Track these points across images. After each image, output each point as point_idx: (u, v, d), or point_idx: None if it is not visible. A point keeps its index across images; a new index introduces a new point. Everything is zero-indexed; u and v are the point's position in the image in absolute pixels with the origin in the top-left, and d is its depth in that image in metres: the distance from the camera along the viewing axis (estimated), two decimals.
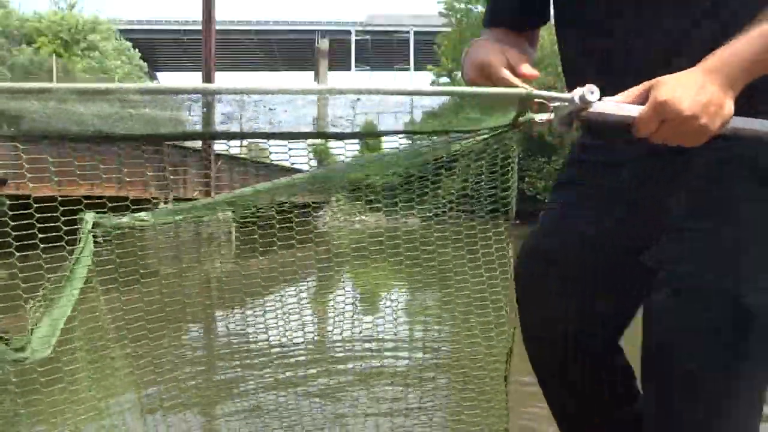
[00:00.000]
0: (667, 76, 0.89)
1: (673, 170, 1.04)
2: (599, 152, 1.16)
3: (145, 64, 33.02)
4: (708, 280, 0.95)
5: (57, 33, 27.01)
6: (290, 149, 1.03)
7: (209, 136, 0.85)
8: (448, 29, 27.48)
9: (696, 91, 0.87)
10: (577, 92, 0.86)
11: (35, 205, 0.85)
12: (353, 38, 45.71)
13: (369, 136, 0.91)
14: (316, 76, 48.12)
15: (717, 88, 0.88)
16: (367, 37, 45.48)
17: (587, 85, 0.86)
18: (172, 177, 18.62)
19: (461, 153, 0.98)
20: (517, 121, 0.89)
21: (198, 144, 20.75)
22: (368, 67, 48.88)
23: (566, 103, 0.87)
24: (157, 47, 44.49)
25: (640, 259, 1.04)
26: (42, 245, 0.85)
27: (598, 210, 1.15)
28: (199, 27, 20.44)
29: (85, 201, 0.94)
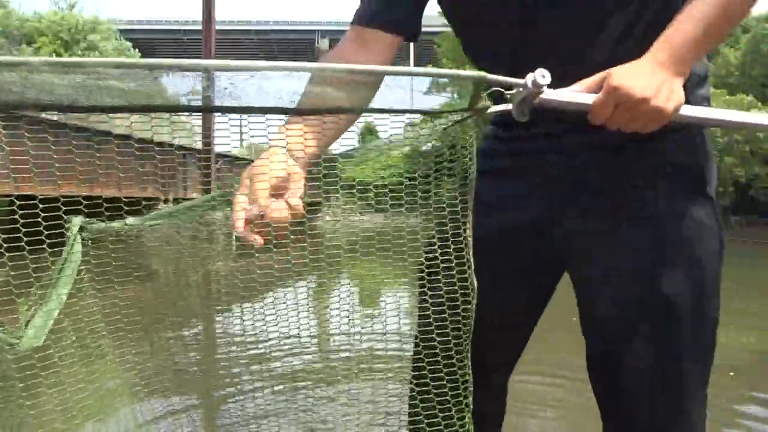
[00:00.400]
0: (619, 66, 0.92)
1: (603, 165, 1.07)
2: (515, 145, 1.17)
3: None
4: (631, 276, 1.00)
5: (57, 33, 27.01)
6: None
7: (185, 109, 0.84)
8: (448, 29, 27.41)
9: (648, 76, 0.90)
10: (529, 77, 0.87)
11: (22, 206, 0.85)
12: None
13: (330, 112, 0.89)
14: None
15: (667, 73, 0.92)
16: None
17: (537, 69, 0.87)
18: (171, 178, 18.56)
19: (420, 142, 0.96)
20: (473, 107, 0.89)
21: (198, 144, 20.76)
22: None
23: (519, 89, 0.88)
24: (157, 47, 44.50)
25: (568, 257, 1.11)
26: (29, 247, 0.86)
27: (523, 200, 1.15)
28: (199, 27, 20.45)
29: (85, 201, 0.93)
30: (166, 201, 18.22)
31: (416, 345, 1.07)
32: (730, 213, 30.68)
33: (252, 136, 0.96)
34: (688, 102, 0.96)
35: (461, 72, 0.87)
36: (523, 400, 2.95)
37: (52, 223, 0.88)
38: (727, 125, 0.96)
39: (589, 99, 0.91)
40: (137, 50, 31.91)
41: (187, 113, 0.85)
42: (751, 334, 4.97)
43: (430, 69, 0.87)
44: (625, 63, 0.94)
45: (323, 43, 45.85)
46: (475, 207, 1.06)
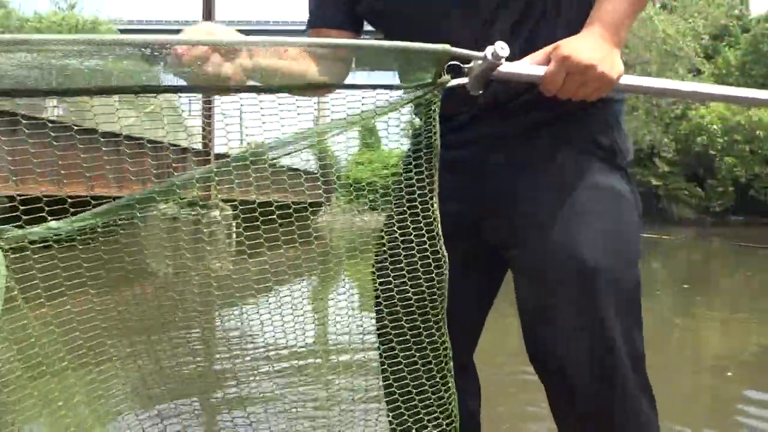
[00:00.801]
0: (565, 39, 1.01)
1: (520, 151, 1.13)
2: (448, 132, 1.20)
3: None
4: (553, 250, 1.05)
5: (57, 33, 26.98)
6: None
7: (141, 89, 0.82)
8: None
9: (592, 46, 0.99)
10: (489, 49, 0.91)
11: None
12: None
13: (298, 89, 0.90)
14: None
15: (609, 45, 1.01)
16: (367, 36, 45.42)
17: (497, 42, 0.91)
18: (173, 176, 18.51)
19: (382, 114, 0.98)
20: (436, 81, 0.91)
21: (198, 144, 20.74)
22: (367, 67, 48.78)
23: (480, 62, 0.91)
24: None
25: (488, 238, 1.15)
26: None
27: (451, 188, 1.17)
28: None
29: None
30: (166, 201, 18.20)
31: (383, 314, 1.08)
32: (730, 213, 30.69)
33: (249, 135, 0.95)
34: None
35: (427, 46, 0.89)
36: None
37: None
38: (663, 93, 1.08)
39: (541, 70, 0.97)
40: None
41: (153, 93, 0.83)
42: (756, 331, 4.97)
43: (397, 43, 0.89)
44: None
45: None
46: None
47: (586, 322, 1.01)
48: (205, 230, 17.48)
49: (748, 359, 4.14)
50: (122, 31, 32.05)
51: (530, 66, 0.98)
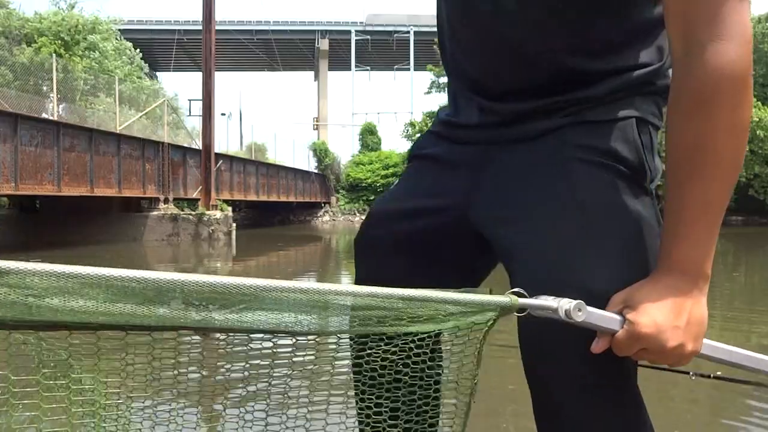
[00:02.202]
0: (640, 292, 0.84)
1: (530, 155, 1.02)
2: (449, 131, 1.15)
3: (146, 64, 33.04)
4: (552, 269, 0.91)
5: (57, 33, 27.02)
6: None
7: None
8: None
9: (676, 314, 0.83)
10: (563, 305, 0.80)
11: None
12: (353, 38, 45.71)
13: (324, 334, 0.80)
14: (316, 76, 48.12)
15: (693, 300, 0.85)
16: (367, 37, 45.49)
17: (576, 301, 0.80)
18: (171, 177, 18.41)
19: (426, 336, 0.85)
20: (490, 324, 0.84)
21: (198, 144, 20.76)
22: (368, 67, 48.89)
23: (548, 311, 0.82)
24: (157, 47, 44.50)
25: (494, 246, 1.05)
26: None
27: (440, 188, 1.13)
28: (199, 27, 20.44)
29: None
30: (166, 201, 18.22)
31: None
32: (730, 213, 30.71)
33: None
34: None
35: (490, 298, 0.80)
36: None
37: None
38: (750, 368, 0.91)
39: (616, 325, 0.83)
40: (137, 50, 31.90)
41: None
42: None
43: (456, 295, 0.78)
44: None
45: (323, 43, 45.88)
46: (406, 190, 1.15)
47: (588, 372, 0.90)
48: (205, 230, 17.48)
49: None
50: (122, 31, 32.05)
51: (605, 316, 0.83)
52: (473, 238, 1.10)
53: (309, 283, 0.72)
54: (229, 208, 19.02)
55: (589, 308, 0.82)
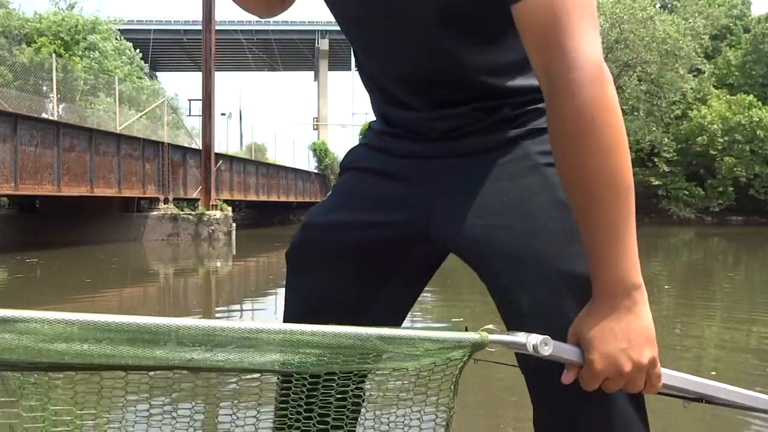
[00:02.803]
0: (585, 327, 0.88)
1: (479, 168, 1.04)
2: (389, 145, 1.13)
3: (146, 64, 33.05)
4: (534, 263, 0.96)
5: (57, 33, 27.03)
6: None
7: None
8: None
9: (621, 338, 0.87)
10: (531, 340, 0.85)
11: None
12: None
13: (309, 372, 0.83)
14: (316, 76, 48.12)
15: (632, 314, 0.88)
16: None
17: (542, 337, 0.85)
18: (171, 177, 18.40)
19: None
20: (463, 360, 0.87)
21: (198, 144, 20.76)
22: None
23: (515, 345, 0.86)
24: (157, 47, 44.50)
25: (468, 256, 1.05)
26: None
27: (380, 201, 1.11)
28: (199, 27, 20.43)
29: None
30: (166, 201, 18.23)
31: None
32: (730, 213, 30.69)
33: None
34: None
35: (462, 335, 0.84)
36: None
37: None
38: (709, 398, 0.96)
39: (578, 357, 0.88)
40: (137, 50, 31.91)
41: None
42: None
43: (428, 333, 0.83)
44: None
45: (323, 43, 45.87)
46: (347, 202, 1.13)
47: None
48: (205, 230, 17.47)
49: (749, 359, 4.14)
50: (122, 31, 32.07)
51: (567, 349, 0.88)
52: (423, 251, 1.12)
53: (294, 326, 0.77)
54: (229, 208, 19.01)
55: (555, 342, 0.86)
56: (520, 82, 1.03)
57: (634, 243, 0.89)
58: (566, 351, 0.88)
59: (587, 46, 0.86)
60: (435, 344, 0.83)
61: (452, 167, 1.06)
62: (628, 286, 0.88)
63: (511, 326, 0.98)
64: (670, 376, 0.93)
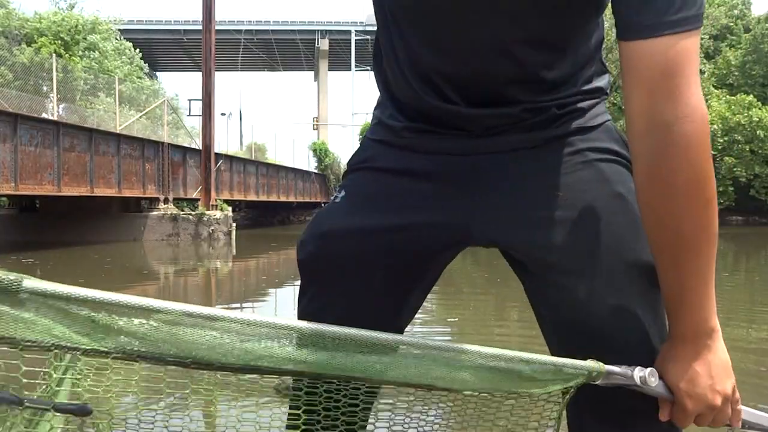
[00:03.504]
0: (673, 371, 0.92)
1: (526, 165, 1.03)
2: (426, 141, 1.06)
3: (146, 64, 33.05)
4: (600, 252, 0.97)
5: (57, 33, 27.03)
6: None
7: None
8: None
9: (706, 376, 0.91)
10: (638, 373, 0.89)
11: None
12: (353, 38, 45.72)
13: (395, 384, 0.86)
14: (316, 76, 48.13)
15: (712, 353, 0.92)
16: (367, 37, 45.47)
17: (649, 368, 0.89)
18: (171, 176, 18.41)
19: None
20: (569, 391, 0.88)
21: (198, 144, 20.75)
22: (368, 67, 48.85)
23: (622, 378, 0.90)
24: (157, 47, 44.50)
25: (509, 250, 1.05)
26: None
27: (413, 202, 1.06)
28: (199, 27, 20.42)
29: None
30: (166, 201, 18.23)
31: None
32: (730, 213, 30.66)
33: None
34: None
35: (578, 363, 0.86)
36: None
37: None
38: None
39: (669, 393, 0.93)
40: (137, 50, 31.90)
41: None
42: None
43: (541, 357, 0.86)
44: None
45: (323, 43, 45.89)
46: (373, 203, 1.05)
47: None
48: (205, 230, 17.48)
49: (748, 360, 4.14)
50: (122, 31, 32.06)
51: (662, 385, 0.92)
52: (454, 250, 1.09)
53: (439, 342, 0.85)
54: (229, 208, 19.01)
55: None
56: (572, 84, 1.03)
57: (713, 287, 0.93)
58: (662, 385, 0.92)
59: (700, 97, 0.86)
60: (554, 372, 0.87)
61: (494, 163, 1.03)
62: (709, 326, 0.93)
63: (564, 319, 1.00)
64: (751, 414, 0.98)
